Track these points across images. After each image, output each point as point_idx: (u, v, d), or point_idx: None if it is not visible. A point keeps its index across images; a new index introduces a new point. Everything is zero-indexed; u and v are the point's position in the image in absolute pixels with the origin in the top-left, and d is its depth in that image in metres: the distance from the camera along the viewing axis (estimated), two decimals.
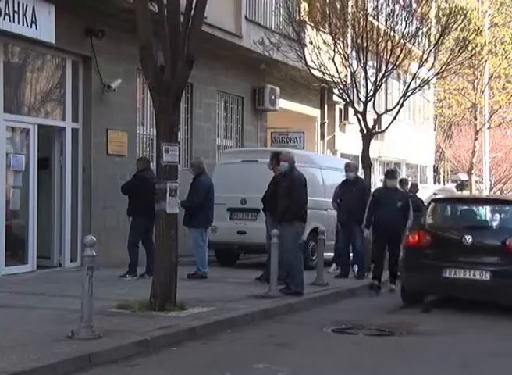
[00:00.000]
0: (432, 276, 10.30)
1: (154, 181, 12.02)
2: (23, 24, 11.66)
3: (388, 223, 12.00)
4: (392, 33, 14.94)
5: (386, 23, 15.04)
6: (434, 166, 37.77)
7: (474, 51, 17.52)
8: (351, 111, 17.64)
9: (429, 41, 16.10)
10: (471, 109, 34.56)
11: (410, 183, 17.66)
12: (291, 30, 15.74)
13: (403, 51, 15.08)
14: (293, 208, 10.67)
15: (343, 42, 15.18)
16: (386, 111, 16.30)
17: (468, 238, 10.16)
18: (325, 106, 22.79)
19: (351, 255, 13.45)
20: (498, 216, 11.38)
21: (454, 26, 15.31)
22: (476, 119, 33.36)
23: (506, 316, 10.33)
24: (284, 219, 10.72)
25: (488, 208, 11.58)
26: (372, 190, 13.90)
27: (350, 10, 15.49)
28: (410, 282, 10.82)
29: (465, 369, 7.03)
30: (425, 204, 17.62)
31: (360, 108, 15.21)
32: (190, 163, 13.98)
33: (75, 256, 13.30)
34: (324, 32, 15.92)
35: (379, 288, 12.13)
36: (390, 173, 12.94)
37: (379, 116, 15.67)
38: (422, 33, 15.85)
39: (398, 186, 13.55)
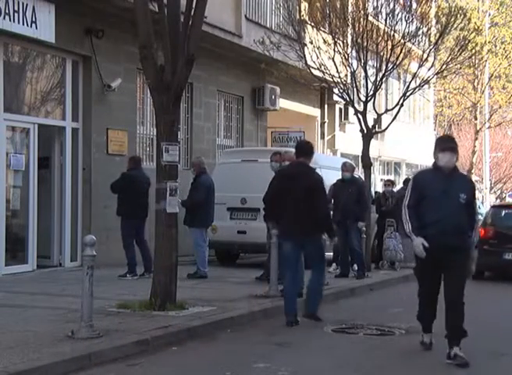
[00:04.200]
0: (494, 259, 14.21)
1: (143, 181, 12.16)
2: (23, 24, 11.67)
3: (446, 234, 7.10)
4: (392, 32, 14.94)
5: (386, 23, 15.05)
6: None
7: (474, 51, 17.53)
8: (351, 110, 17.64)
9: (429, 40, 16.11)
10: (471, 109, 34.56)
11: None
12: (291, 30, 15.74)
13: (403, 50, 15.08)
14: None
15: (343, 42, 15.18)
16: (386, 110, 16.30)
17: None
18: (325, 106, 22.80)
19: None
20: None
21: (454, 26, 15.32)
22: (476, 119, 33.36)
23: (506, 316, 10.34)
24: None
25: None
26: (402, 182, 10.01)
27: (350, 10, 15.49)
28: (479, 262, 14.33)
29: (465, 369, 7.01)
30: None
31: (361, 107, 15.21)
32: (191, 163, 13.99)
33: (75, 256, 13.30)
34: (324, 31, 15.93)
35: (431, 344, 7.80)
36: (446, 140, 7.75)
37: (379, 115, 15.67)
38: (422, 32, 15.86)
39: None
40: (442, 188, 7.20)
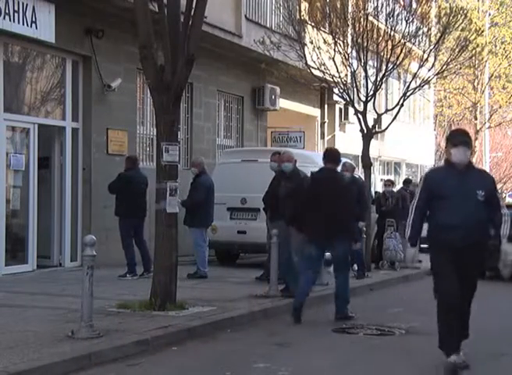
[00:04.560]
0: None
1: (140, 181, 12.18)
2: (23, 24, 11.66)
3: (464, 238, 6.60)
4: (392, 32, 14.94)
5: (387, 23, 15.05)
6: (434, 166, 37.71)
7: (474, 51, 17.54)
8: (351, 110, 17.64)
9: (430, 40, 16.11)
10: (471, 109, 34.55)
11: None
12: (291, 30, 15.74)
13: (404, 50, 15.08)
14: None
15: (343, 42, 15.18)
16: (386, 110, 16.30)
17: None
18: (325, 106, 22.80)
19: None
20: None
21: (455, 26, 15.32)
22: (476, 119, 33.36)
23: (506, 317, 10.34)
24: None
25: None
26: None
27: (350, 9, 15.49)
28: None
29: (465, 368, 7.01)
30: None
31: (361, 107, 15.21)
32: (192, 162, 13.93)
33: (75, 256, 13.30)
34: (324, 31, 15.93)
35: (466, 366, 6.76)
36: (459, 133, 7.05)
37: (379, 115, 15.67)
38: (423, 32, 15.86)
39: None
40: (456, 187, 6.63)
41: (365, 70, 14.93)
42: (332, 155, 9.71)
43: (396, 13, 15.21)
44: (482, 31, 22.71)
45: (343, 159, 16.51)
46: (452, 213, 6.57)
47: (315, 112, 22.55)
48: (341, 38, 15.16)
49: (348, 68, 15.37)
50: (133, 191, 12.03)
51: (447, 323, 6.67)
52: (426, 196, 6.77)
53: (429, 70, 16.53)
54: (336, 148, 10.05)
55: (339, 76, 15.00)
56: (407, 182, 17.47)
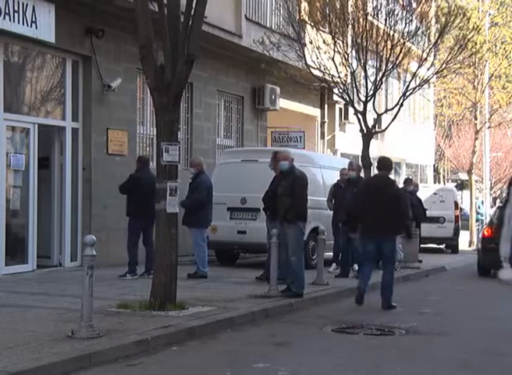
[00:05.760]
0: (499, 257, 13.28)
1: (149, 181, 12.15)
2: (23, 24, 11.67)
3: None
4: (391, 32, 14.96)
5: (386, 23, 15.08)
6: (434, 166, 37.73)
7: (473, 50, 17.56)
8: (351, 110, 17.65)
9: (429, 40, 16.14)
10: (471, 109, 34.51)
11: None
12: (291, 30, 15.77)
13: (403, 50, 15.10)
14: (297, 207, 10.58)
15: (342, 42, 15.21)
16: (386, 110, 16.32)
17: None
18: (325, 106, 22.80)
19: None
20: None
21: (453, 25, 15.35)
22: (476, 119, 33.34)
23: (506, 316, 10.34)
24: (286, 220, 10.61)
25: None
26: None
27: (349, 10, 15.52)
28: (485, 260, 15.22)
29: (465, 369, 7.02)
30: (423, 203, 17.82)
31: (361, 107, 15.23)
32: (192, 161, 13.90)
33: (75, 256, 13.31)
34: (324, 31, 15.95)
35: None
36: None
37: (379, 115, 15.69)
38: (422, 32, 15.89)
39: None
40: None
41: (365, 70, 14.95)
42: (384, 163, 11.04)
43: (395, 13, 15.23)
44: (480, 29, 22.69)
45: (343, 159, 16.60)
46: None
47: (315, 112, 22.55)
48: (340, 38, 15.19)
49: (348, 68, 15.39)
50: (143, 192, 11.96)
51: None
52: None
53: (428, 70, 16.55)
54: (389, 157, 11.70)
55: (339, 76, 15.02)
56: (407, 182, 17.45)
